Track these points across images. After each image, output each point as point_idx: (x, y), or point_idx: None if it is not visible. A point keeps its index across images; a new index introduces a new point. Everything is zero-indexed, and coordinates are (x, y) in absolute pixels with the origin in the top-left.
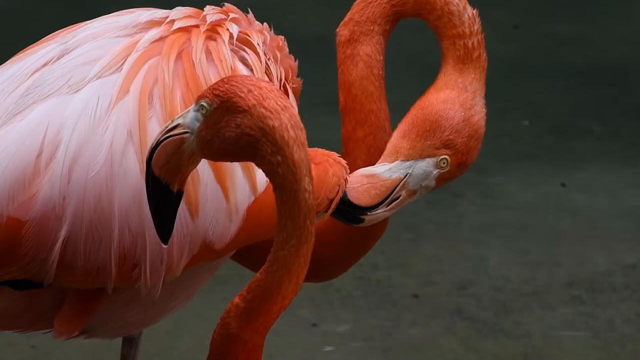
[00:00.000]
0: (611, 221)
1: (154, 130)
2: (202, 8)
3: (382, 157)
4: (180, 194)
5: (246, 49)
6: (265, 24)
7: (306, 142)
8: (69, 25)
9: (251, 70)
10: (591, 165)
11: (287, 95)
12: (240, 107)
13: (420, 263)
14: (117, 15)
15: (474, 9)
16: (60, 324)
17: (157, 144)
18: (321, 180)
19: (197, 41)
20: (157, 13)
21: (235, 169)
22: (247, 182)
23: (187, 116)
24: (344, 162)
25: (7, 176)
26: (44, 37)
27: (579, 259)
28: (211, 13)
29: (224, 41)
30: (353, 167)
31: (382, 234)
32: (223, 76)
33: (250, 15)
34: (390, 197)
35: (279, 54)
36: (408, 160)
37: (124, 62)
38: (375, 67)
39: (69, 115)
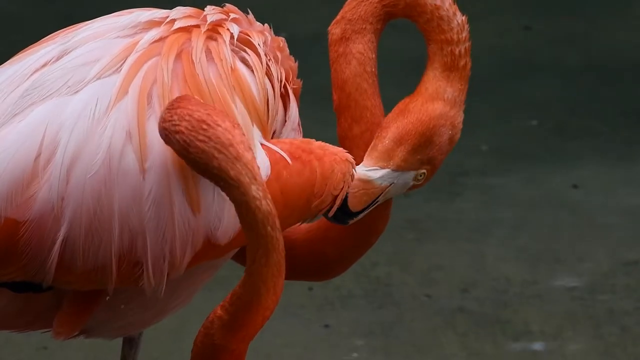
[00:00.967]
0: (612, 219)
1: (153, 130)
2: (202, 8)
3: (374, 158)
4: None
5: (247, 49)
6: (266, 24)
7: (244, 148)
8: (69, 25)
9: (252, 70)
10: (592, 163)
11: (289, 96)
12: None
13: (421, 261)
14: (117, 15)
15: (463, 16)
16: (59, 324)
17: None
18: (325, 177)
19: (198, 41)
20: (157, 13)
21: None
22: None
23: None
24: (350, 157)
25: (5, 177)
26: (44, 37)
27: (580, 256)
28: (212, 13)
29: (224, 41)
30: None
31: (385, 229)
32: (222, 75)
33: (251, 15)
34: (373, 202)
35: (279, 55)
36: (397, 171)
37: (124, 62)
38: (368, 65)
39: (68, 117)
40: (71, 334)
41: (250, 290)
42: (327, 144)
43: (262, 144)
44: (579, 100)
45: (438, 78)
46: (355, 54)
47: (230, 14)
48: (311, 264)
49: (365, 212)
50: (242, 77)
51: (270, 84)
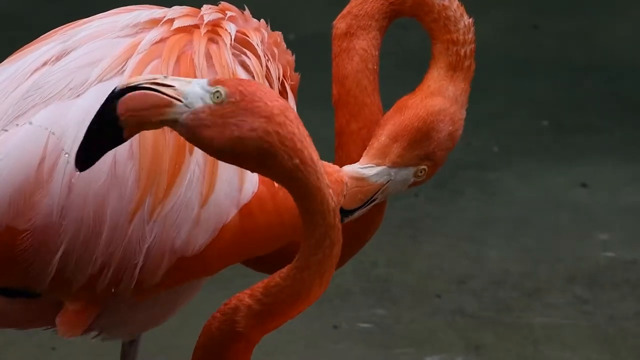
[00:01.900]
0: (612, 217)
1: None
2: (199, 7)
3: (370, 156)
4: (123, 141)
5: (247, 52)
6: (262, 20)
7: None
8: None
9: (252, 75)
10: (592, 160)
11: (286, 92)
12: (263, 112)
13: (420, 259)
14: (116, 13)
15: (470, 18)
16: (62, 324)
17: (139, 87)
18: None
19: (200, 44)
20: (155, 12)
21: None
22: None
23: (189, 87)
24: (345, 178)
25: (7, 185)
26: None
27: (580, 254)
28: (208, 12)
29: (225, 44)
30: (347, 160)
31: (381, 222)
32: None
33: (247, 12)
34: (370, 199)
35: (276, 50)
36: (394, 167)
37: (126, 64)
38: (370, 62)
39: (70, 123)
40: (76, 333)
41: (301, 284)
42: (324, 162)
43: None
44: (583, 98)
45: (442, 77)
46: (359, 50)
47: (226, 12)
48: None
49: (363, 209)
50: None
51: (269, 86)
